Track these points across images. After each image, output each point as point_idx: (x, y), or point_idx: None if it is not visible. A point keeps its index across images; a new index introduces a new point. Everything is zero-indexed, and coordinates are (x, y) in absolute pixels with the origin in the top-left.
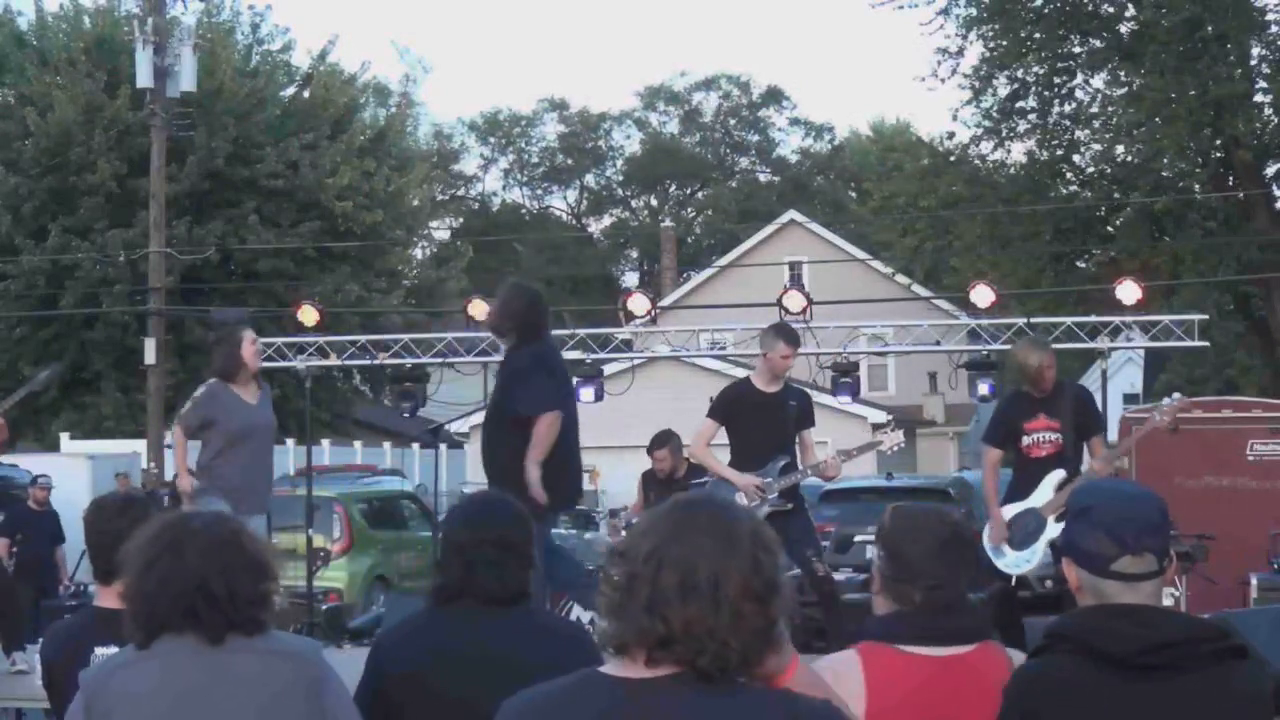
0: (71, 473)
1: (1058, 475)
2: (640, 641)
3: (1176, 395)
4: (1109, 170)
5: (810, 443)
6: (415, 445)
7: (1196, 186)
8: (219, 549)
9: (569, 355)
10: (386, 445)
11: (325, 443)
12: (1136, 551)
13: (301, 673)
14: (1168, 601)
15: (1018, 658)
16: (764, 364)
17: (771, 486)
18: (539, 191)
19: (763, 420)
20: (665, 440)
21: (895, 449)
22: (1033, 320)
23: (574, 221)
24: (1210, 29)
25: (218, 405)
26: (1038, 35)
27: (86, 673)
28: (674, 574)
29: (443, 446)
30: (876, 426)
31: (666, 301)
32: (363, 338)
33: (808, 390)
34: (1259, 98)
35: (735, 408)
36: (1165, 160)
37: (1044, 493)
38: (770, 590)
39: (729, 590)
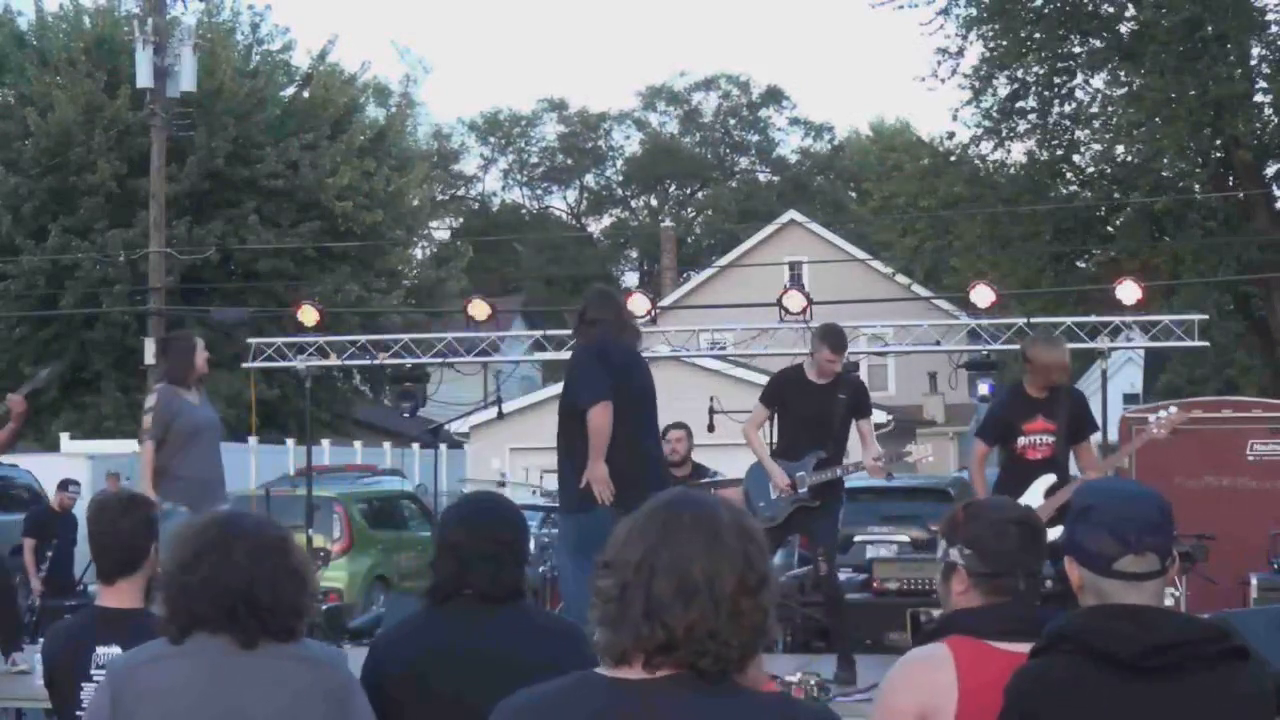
0: (71, 473)
1: (1048, 480)
2: (640, 648)
3: (1173, 408)
4: (1109, 170)
5: (868, 432)
6: (415, 445)
7: (1196, 186)
8: (266, 554)
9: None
10: (386, 445)
11: (325, 443)
12: (1139, 550)
13: (329, 681)
14: (1168, 601)
15: None
16: (810, 362)
17: (803, 481)
18: (539, 191)
19: (810, 408)
20: (681, 425)
21: (925, 461)
22: (1033, 320)
23: (574, 221)
24: (1210, 29)
25: (172, 409)
26: (1038, 35)
27: (114, 663)
28: (669, 580)
29: (443, 446)
30: (877, 426)
31: (666, 301)
32: (363, 338)
33: (861, 381)
34: (1259, 98)
35: (785, 393)
36: (1165, 160)
37: (1033, 498)
38: (762, 584)
39: (725, 588)
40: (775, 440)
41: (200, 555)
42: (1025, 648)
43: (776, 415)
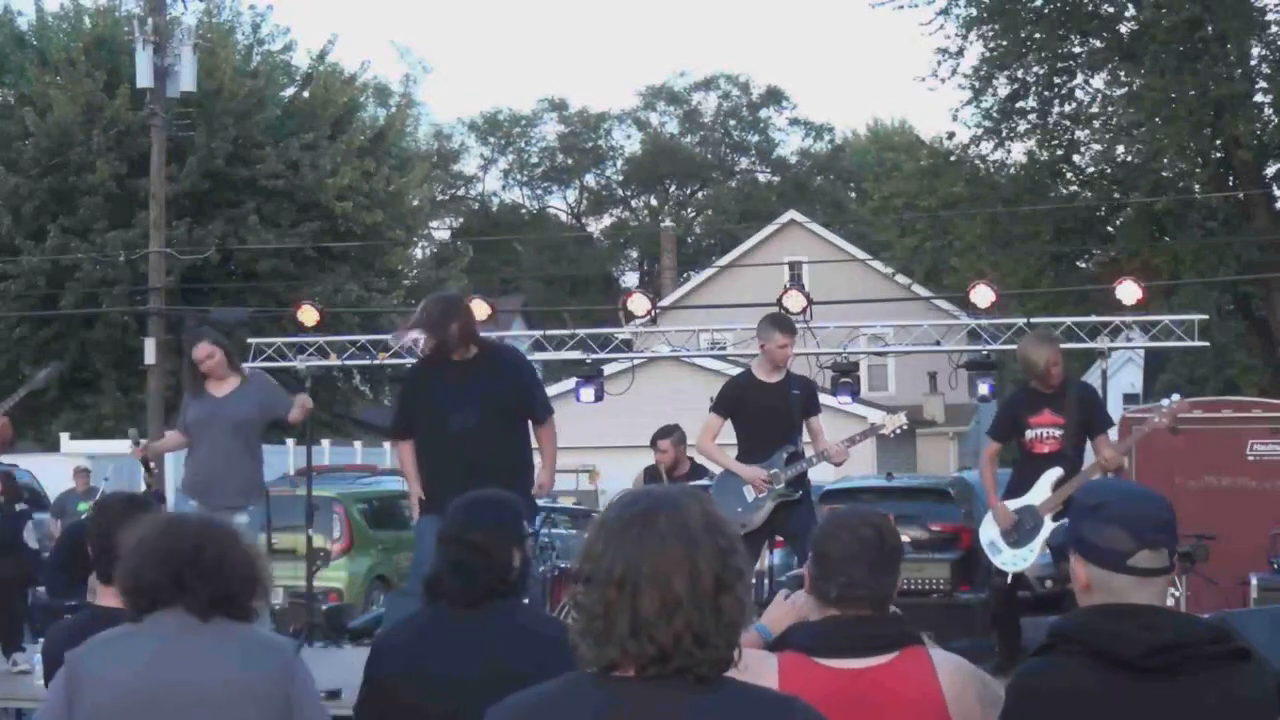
0: (71, 473)
1: (1055, 474)
2: (629, 662)
3: (1176, 396)
4: (1109, 170)
5: (820, 429)
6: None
7: (1196, 186)
8: (214, 528)
9: (569, 355)
10: (386, 445)
11: (325, 443)
12: (1154, 546)
13: (276, 666)
14: (1168, 602)
15: (944, 660)
16: (763, 355)
17: (778, 478)
18: (539, 191)
19: (766, 411)
20: (669, 432)
21: (897, 431)
22: (1033, 320)
23: (574, 221)
24: (1210, 29)
25: (185, 403)
26: (1038, 35)
27: (75, 649)
28: (652, 594)
29: None
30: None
31: (666, 301)
32: (363, 338)
33: (811, 378)
34: (1259, 98)
35: (738, 400)
36: (1165, 160)
37: (1041, 491)
38: (738, 576)
39: (705, 590)
40: (736, 447)
41: (149, 535)
42: (850, 664)
43: (733, 423)
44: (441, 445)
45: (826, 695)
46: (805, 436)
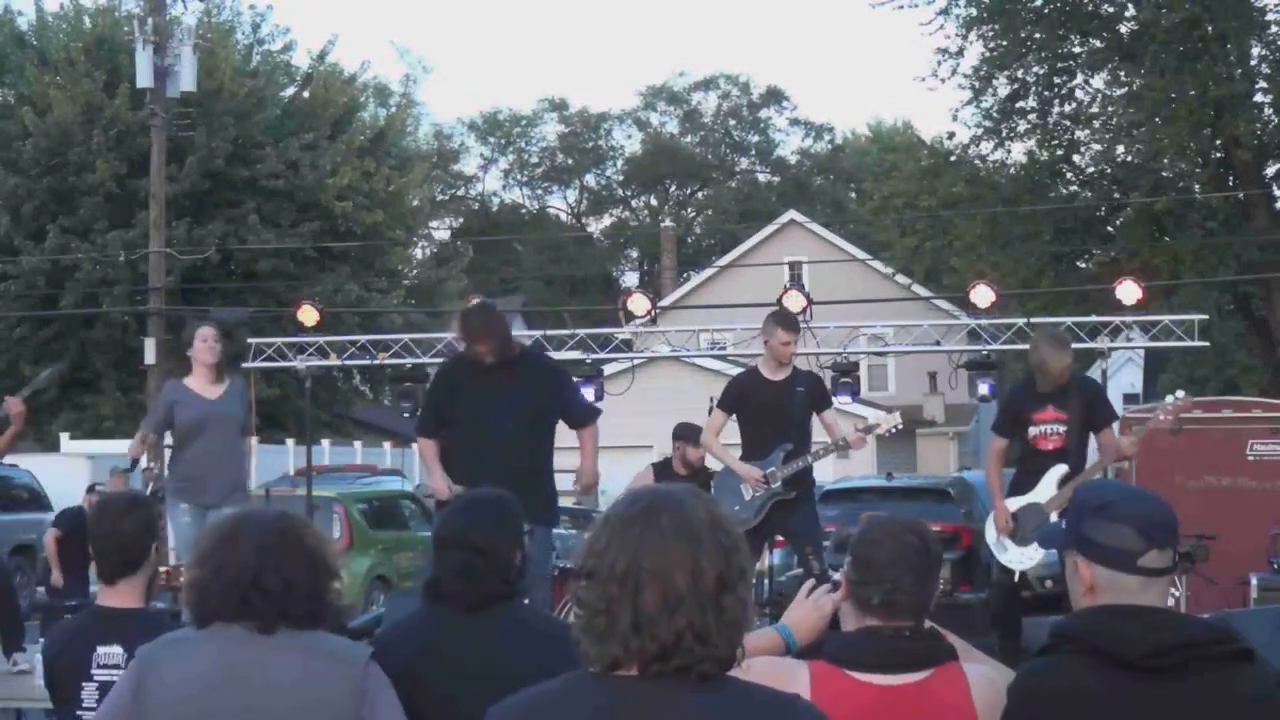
0: (71, 473)
1: (1060, 470)
2: (631, 659)
3: (1180, 393)
4: (1109, 170)
5: (832, 422)
6: (415, 445)
7: (1196, 186)
8: (274, 542)
9: (569, 355)
10: (386, 445)
11: (325, 443)
12: (1161, 546)
13: (344, 678)
14: (1168, 602)
15: (979, 677)
16: (767, 352)
17: (775, 475)
18: (539, 191)
19: (768, 408)
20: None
21: (893, 430)
22: (1033, 320)
23: (574, 221)
24: (1210, 29)
25: (171, 401)
26: (1038, 35)
27: (141, 649)
28: (654, 590)
29: None
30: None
31: (666, 301)
32: (363, 338)
33: (817, 373)
34: (1259, 98)
35: (741, 397)
36: (1165, 160)
37: (1046, 488)
38: (741, 575)
39: (708, 589)
40: (740, 444)
41: (210, 551)
42: (885, 680)
43: (737, 419)
44: (483, 449)
45: (858, 709)
46: (822, 434)
